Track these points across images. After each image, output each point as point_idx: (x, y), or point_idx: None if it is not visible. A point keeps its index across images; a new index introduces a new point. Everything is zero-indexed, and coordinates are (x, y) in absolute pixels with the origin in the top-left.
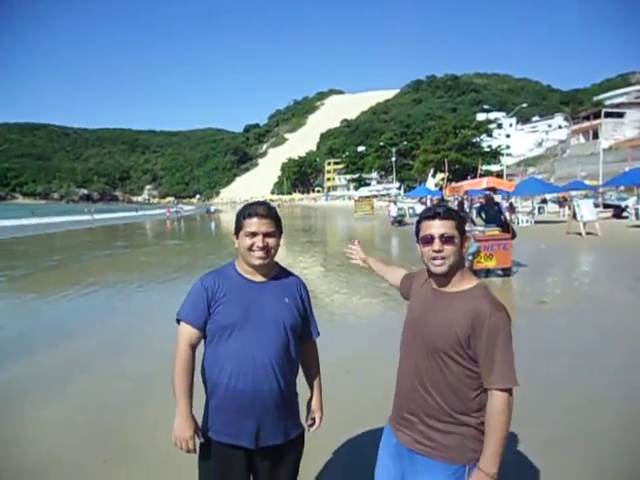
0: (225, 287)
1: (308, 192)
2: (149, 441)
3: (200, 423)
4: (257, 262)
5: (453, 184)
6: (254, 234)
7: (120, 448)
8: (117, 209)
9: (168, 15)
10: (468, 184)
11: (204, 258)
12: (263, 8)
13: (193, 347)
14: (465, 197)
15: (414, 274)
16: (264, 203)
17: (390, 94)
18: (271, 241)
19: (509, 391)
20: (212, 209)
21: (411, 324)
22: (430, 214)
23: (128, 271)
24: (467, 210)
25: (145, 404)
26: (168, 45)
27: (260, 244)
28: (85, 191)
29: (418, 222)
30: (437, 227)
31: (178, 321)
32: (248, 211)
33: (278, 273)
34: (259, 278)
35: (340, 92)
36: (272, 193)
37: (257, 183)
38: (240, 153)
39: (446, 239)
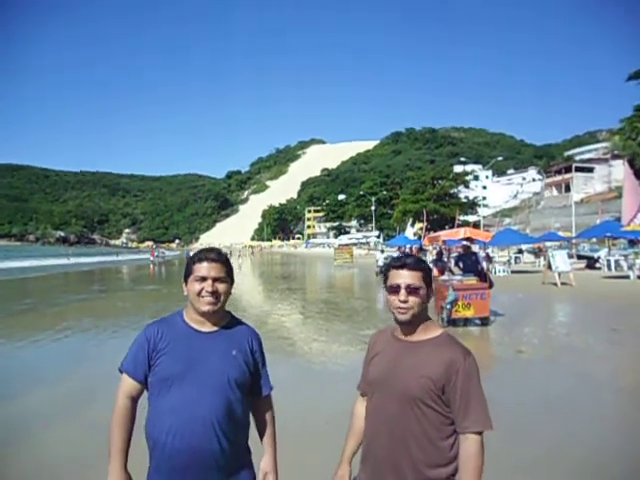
0: (169, 337)
1: (288, 239)
2: None
3: None
4: (206, 308)
5: (431, 234)
6: (203, 279)
7: None
8: (96, 253)
9: (152, 61)
10: (446, 234)
11: (179, 304)
12: (246, 56)
13: (133, 400)
14: (443, 247)
15: (367, 357)
16: (215, 249)
17: (370, 145)
18: (221, 287)
19: (482, 434)
20: (191, 254)
21: (380, 382)
22: (399, 264)
23: (103, 316)
24: (445, 259)
25: None
26: (151, 92)
27: (210, 289)
28: (62, 233)
29: (387, 270)
30: (404, 277)
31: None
32: (198, 256)
33: (229, 323)
34: (207, 328)
35: (321, 142)
36: (252, 239)
37: (237, 229)
38: (221, 199)
39: (412, 290)
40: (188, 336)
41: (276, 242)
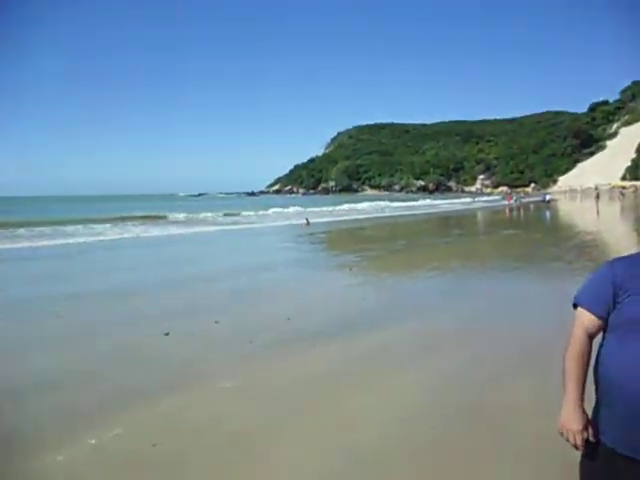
0: (639, 277)
1: None
2: (514, 420)
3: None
4: None
5: None
6: None
7: (479, 426)
8: (453, 198)
9: None
10: None
11: (544, 250)
12: None
13: (590, 336)
14: None
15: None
16: None
17: None
18: None
19: None
20: (547, 198)
21: None
22: None
23: (467, 259)
24: None
25: (502, 384)
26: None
27: None
28: (422, 182)
29: None
30: None
31: (575, 306)
32: None
33: None
34: None
35: None
36: (623, 179)
37: (603, 168)
38: (583, 136)
39: None
40: None
41: None
